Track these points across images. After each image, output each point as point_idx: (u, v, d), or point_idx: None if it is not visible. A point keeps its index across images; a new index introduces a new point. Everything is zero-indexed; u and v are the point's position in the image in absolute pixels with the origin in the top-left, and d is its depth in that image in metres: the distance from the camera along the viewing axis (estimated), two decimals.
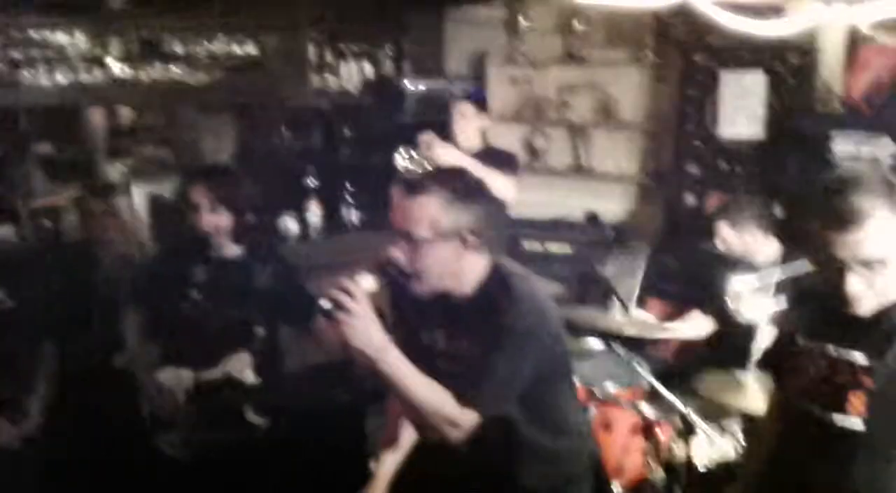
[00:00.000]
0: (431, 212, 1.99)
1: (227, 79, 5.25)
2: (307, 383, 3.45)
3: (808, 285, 2.11)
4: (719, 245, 3.59)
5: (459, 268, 2.06)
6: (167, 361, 2.93)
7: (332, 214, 5.23)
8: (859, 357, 1.82)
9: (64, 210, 4.55)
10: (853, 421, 1.81)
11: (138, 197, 4.84)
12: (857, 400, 1.81)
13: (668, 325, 3.77)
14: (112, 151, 5.16)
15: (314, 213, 5.10)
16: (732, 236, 3.55)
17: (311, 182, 5.23)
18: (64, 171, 4.80)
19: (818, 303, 1.96)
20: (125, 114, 5.37)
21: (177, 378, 2.87)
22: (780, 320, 2.16)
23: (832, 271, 1.78)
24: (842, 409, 1.83)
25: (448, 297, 2.10)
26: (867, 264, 1.75)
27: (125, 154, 5.22)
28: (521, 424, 2.13)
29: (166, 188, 4.78)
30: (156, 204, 4.85)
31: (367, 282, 1.91)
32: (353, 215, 5.32)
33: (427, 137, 3.87)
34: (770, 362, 2.18)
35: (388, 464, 2.44)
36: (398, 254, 2.01)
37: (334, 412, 3.27)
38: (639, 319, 3.78)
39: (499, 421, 2.07)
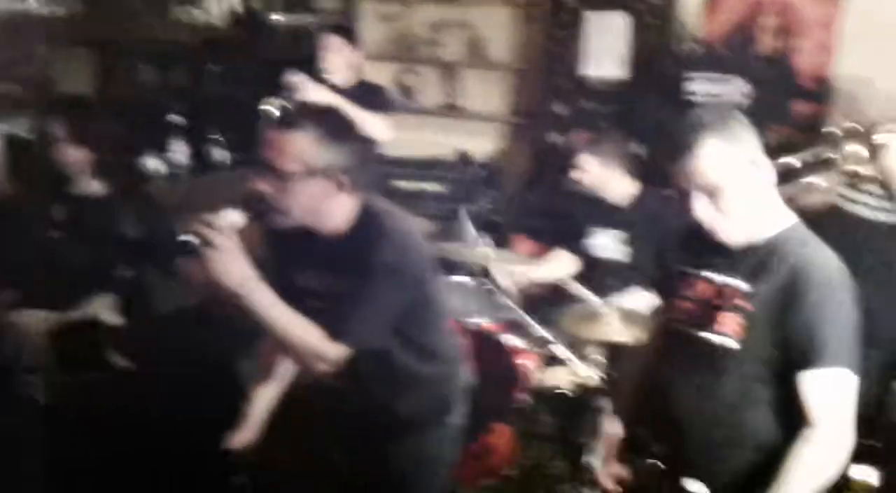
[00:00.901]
0: (302, 148, 1.98)
1: (83, 11, 4.99)
2: (176, 325, 3.40)
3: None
4: (579, 178, 3.64)
5: (328, 206, 2.06)
6: (27, 302, 2.84)
7: (198, 152, 5.09)
8: (734, 281, 1.94)
9: None
10: (726, 340, 1.92)
11: None
12: (731, 321, 1.91)
13: (535, 264, 3.88)
14: None
15: (180, 151, 4.95)
16: (593, 170, 3.60)
17: (176, 119, 5.06)
18: None
19: (696, 235, 2.06)
20: None
21: (36, 320, 2.79)
22: (663, 250, 2.25)
23: (683, 200, 1.91)
24: (716, 328, 1.93)
25: (318, 235, 2.10)
26: (707, 192, 1.88)
27: None
28: (394, 353, 2.17)
29: (21, 126, 4.54)
30: (11, 142, 4.60)
31: (232, 217, 1.89)
32: (220, 154, 5.20)
33: (295, 78, 3.81)
34: (655, 287, 2.29)
35: (260, 401, 2.44)
36: (266, 188, 1.99)
37: (204, 355, 3.23)
38: (506, 255, 3.89)
39: (372, 353, 2.11)
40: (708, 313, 1.96)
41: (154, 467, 2.76)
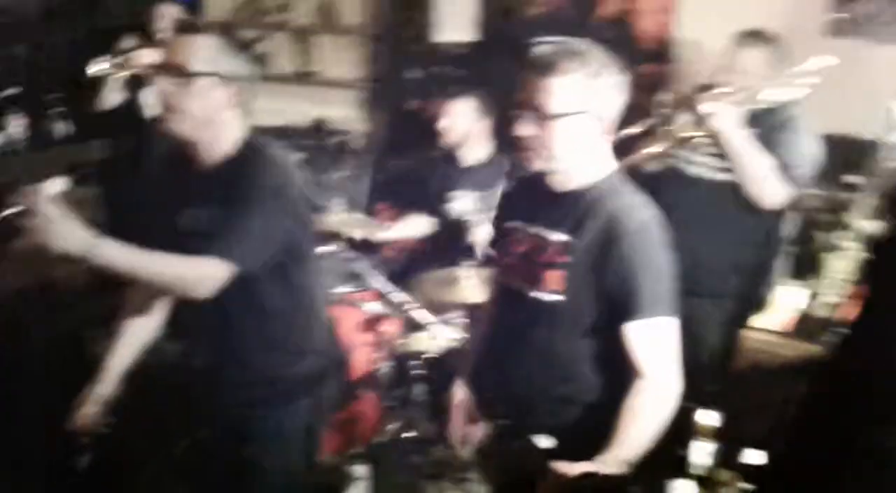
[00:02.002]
0: (203, 51, 2.05)
1: None
2: (19, 305, 3.23)
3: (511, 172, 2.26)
4: (445, 127, 3.66)
5: (220, 120, 2.09)
6: None
7: (36, 125, 4.83)
8: (557, 235, 1.95)
9: None
10: (553, 297, 1.94)
11: None
12: (553, 276, 1.93)
13: (390, 226, 3.89)
14: None
15: (16, 124, 4.69)
16: (459, 122, 3.63)
17: (12, 91, 4.78)
18: None
19: (520, 187, 2.13)
20: None
21: None
22: (497, 207, 2.28)
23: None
24: (543, 286, 1.96)
25: (199, 169, 2.12)
26: (540, 116, 1.88)
27: None
28: (267, 302, 2.16)
29: None
30: None
31: (56, 185, 1.82)
32: (59, 127, 4.94)
33: (129, 43, 3.68)
34: (490, 246, 2.32)
35: (119, 357, 2.33)
36: (165, 86, 2.04)
37: (50, 333, 3.09)
38: (363, 221, 3.88)
39: (243, 306, 2.10)
40: (534, 270, 1.98)
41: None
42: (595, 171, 1.98)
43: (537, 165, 1.95)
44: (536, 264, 1.98)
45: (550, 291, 1.95)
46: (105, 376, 2.32)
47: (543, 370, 2.01)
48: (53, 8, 5.26)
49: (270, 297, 2.16)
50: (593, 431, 1.86)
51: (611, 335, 1.92)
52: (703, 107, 2.79)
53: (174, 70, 2.04)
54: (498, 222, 2.21)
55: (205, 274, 1.97)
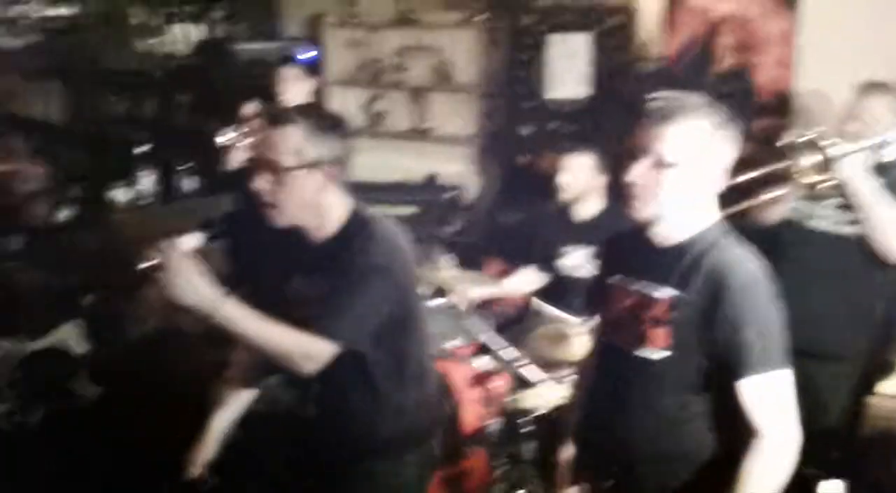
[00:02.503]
0: (295, 142, 2.06)
1: (45, 43, 4.98)
2: (144, 351, 3.37)
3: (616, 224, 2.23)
4: (560, 181, 3.66)
5: (321, 203, 2.12)
6: None
7: (166, 180, 5.08)
8: (663, 291, 1.91)
9: None
10: (656, 353, 1.90)
11: None
12: (659, 333, 1.89)
13: (500, 281, 3.89)
14: None
15: (147, 180, 4.95)
16: (578, 175, 3.64)
17: (144, 148, 5.06)
18: None
19: (622, 240, 2.10)
20: None
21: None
22: (596, 262, 2.27)
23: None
24: (645, 343, 1.92)
25: (306, 241, 2.15)
26: (655, 163, 1.86)
27: None
28: (375, 372, 2.17)
29: None
30: None
31: (190, 241, 1.92)
32: (187, 182, 5.19)
33: (252, 110, 3.85)
34: (588, 302, 2.30)
35: (219, 423, 2.40)
36: (261, 184, 2.06)
37: (170, 379, 3.21)
38: (474, 277, 3.89)
39: (352, 370, 2.12)
40: (639, 327, 1.95)
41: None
42: (700, 223, 1.95)
43: (644, 213, 1.93)
44: (641, 321, 1.95)
45: (656, 348, 1.92)
46: (207, 439, 2.38)
47: (649, 429, 1.97)
48: (182, 68, 5.57)
49: (376, 361, 2.17)
50: (702, 491, 1.82)
51: (721, 392, 1.88)
52: (831, 150, 2.69)
53: (267, 167, 2.07)
54: (600, 277, 2.19)
55: (311, 353, 2.01)
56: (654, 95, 1.93)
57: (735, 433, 1.85)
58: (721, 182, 1.93)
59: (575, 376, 3.08)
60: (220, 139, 3.70)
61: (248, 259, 2.23)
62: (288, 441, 2.43)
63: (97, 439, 2.76)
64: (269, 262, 2.23)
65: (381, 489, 2.27)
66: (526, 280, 3.81)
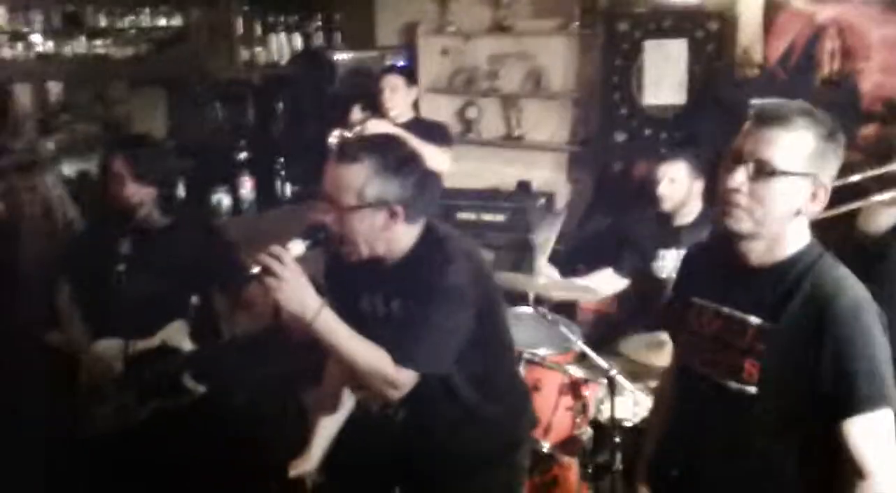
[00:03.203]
0: (359, 181, 2.00)
1: (153, 52, 5.18)
2: (244, 352, 3.46)
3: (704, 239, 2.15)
4: (662, 191, 3.64)
5: (389, 236, 2.07)
6: (102, 334, 2.93)
7: (264, 187, 5.22)
8: (753, 319, 1.78)
9: None
10: (747, 388, 1.77)
11: (67, 172, 4.77)
12: (750, 366, 1.76)
13: (581, 280, 3.83)
14: (42, 128, 5.06)
15: (246, 186, 5.09)
16: (677, 184, 3.62)
17: (244, 155, 5.20)
18: None
19: (713, 258, 1.94)
20: (54, 90, 5.26)
21: (112, 349, 2.87)
22: (677, 279, 2.13)
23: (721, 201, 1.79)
24: (737, 376, 1.78)
25: (381, 261, 2.12)
26: (760, 170, 1.72)
27: (55, 131, 5.12)
28: (458, 383, 2.15)
29: (94, 164, 4.72)
30: (83, 179, 4.79)
31: (296, 248, 1.95)
32: (285, 188, 5.31)
33: (359, 115, 3.91)
34: (666, 321, 2.16)
35: (323, 431, 2.46)
36: (329, 221, 2.03)
37: (270, 380, 3.29)
38: (566, 283, 3.88)
39: (436, 383, 2.11)
40: (728, 357, 1.81)
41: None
42: (798, 242, 1.80)
43: (742, 226, 1.76)
44: (731, 349, 1.81)
45: (745, 381, 1.77)
46: (318, 428, 2.45)
47: (735, 464, 1.85)
48: (282, 76, 5.71)
49: (460, 377, 2.15)
50: None
51: (820, 431, 1.74)
52: None
53: (330, 201, 2.03)
54: (680, 293, 2.05)
55: (393, 378, 2.00)
56: (758, 100, 1.85)
57: (829, 473, 1.74)
58: (823, 198, 1.78)
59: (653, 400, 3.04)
60: (331, 139, 3.76)
61: (336, 269, 2.25)
62: (381, 449, 2.44)
63: (204, 437, 2.85)
64: (344, 277, 2.20)
65: None
66: (606, 282, 3.78)
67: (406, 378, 2.01)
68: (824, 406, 1.70)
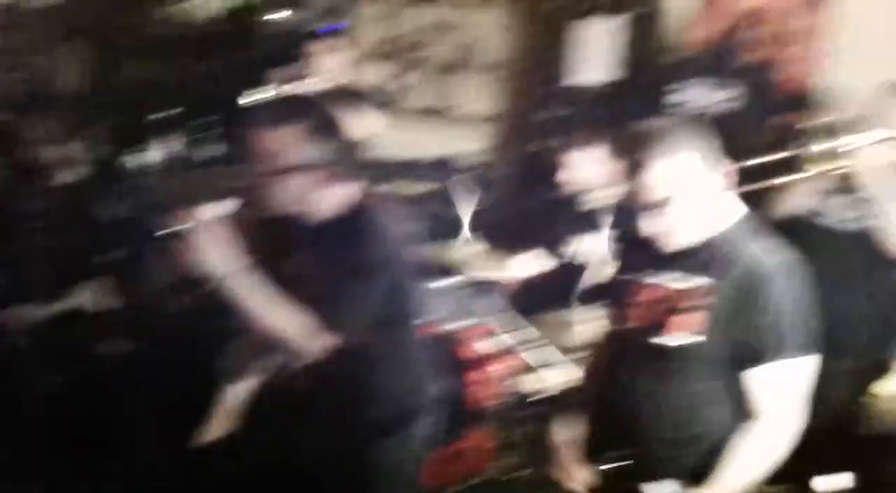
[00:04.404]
0: (287, 143, 2.01)
1: (73, 3, 5.00)
2: (165, 313, 3.40)
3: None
4: (567, 178, 3.64)
5: (316, 196, 2.09)
6: (11, 298, 2.85)
7: (187, 146, 5.12)
8: (693, 281, 1.95)
9: None
10: (685, 339, 1.94)
11: None
12: (689, 320, 1.93)
13: (508, 262, 3.89)
14: None
15: (168, 145, 4.98)
16: (584, 169, 3.60)
17: (165, 114, 5.08)
18: None
19: (636, 237, 2.07)
20: None
21: (20, 315, 2.80)
22: (615, 256, 2.29)
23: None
24: (669, 332, 1.96)
25: (307, 222, 2.13)
26: (655, 206, 1.92)
27: None
28: (363, 355, 2.18)
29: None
30: None
31: (217, 207, 1.94)
32: (210, 148, 5.22)
33: (288, 77, 3.85)
34: (605, 295, 2.32)
35: (231, 397, 2.46)
36: (253, 182, 2.04)
37: (192, 342, 3.25)
38: (484, 258, 3.91)
39: (350, 351, 2.11)
40: (659, 317, 1.99)
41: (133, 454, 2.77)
42: (722, 218, 1.98)
43: (654, 229, 1.97)
44: (662, 311, 1.98)
45: (684, 334, 1.95)
46: (228, 394, 2.44)
47: (664, 415, 2.01)
48: (210, 34, 5.58)
49: (375, 345, 2.18)
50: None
51: (737, 377, 1.94)
52: (843, 138, 2.66)
53: (260, 160, 2.04)
54: (618, 269, 2.21)
55: (311, 343, 2.03)
56: (674, 88, 1.96)
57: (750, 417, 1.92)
58: (725, 176, 1.97)
59: (584, 360, 3.13)
60: (245, 99, 3.71)
61: (261, 230, 2.23)
62: (291, 414, 2.45)
63: (120, 401, 2.80)
64: (269, 237, 2.21)
65: (382, 464, 2.30)
66: (533, 263, 3.82)
67: (323, 342, 2.03)
68: (743, 357, 1.92)
